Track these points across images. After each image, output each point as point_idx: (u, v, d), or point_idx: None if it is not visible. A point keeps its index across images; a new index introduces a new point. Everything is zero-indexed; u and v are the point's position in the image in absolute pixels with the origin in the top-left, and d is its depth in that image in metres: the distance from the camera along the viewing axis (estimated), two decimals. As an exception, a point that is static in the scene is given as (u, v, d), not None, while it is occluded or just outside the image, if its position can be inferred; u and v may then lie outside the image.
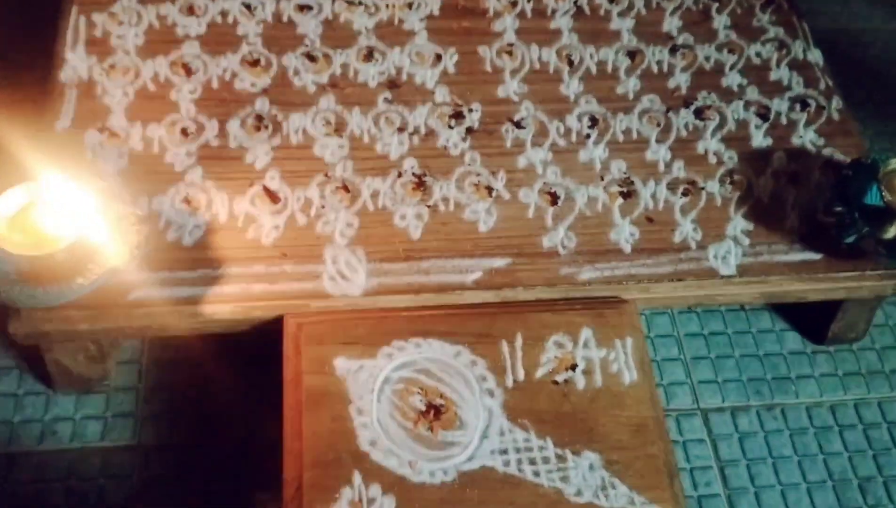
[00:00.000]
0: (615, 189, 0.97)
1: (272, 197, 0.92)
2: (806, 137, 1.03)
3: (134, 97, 0.98)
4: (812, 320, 1.03)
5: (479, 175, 0.97)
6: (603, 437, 0.80)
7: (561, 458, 0.79)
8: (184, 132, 0.96)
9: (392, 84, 1.03)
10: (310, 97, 1.01)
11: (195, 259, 0.87)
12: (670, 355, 1.00)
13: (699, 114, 1.04)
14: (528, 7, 1.12)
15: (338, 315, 0.85)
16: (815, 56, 1.11)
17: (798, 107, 1.06)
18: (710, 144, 1.02)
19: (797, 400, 0.98)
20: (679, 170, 0.99)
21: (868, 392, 1.00)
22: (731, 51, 1.11)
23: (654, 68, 1.08)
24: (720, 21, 1.14)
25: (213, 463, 0.89)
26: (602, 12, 1.13)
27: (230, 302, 0.85)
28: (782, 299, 0.95)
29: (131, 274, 0.84)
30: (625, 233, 0.94)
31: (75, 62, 1.00)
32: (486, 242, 0.92)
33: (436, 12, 1.10)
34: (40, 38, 1.06)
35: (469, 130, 1.00)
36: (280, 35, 1.05)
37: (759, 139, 1.03)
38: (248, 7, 1.07)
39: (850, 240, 0.91)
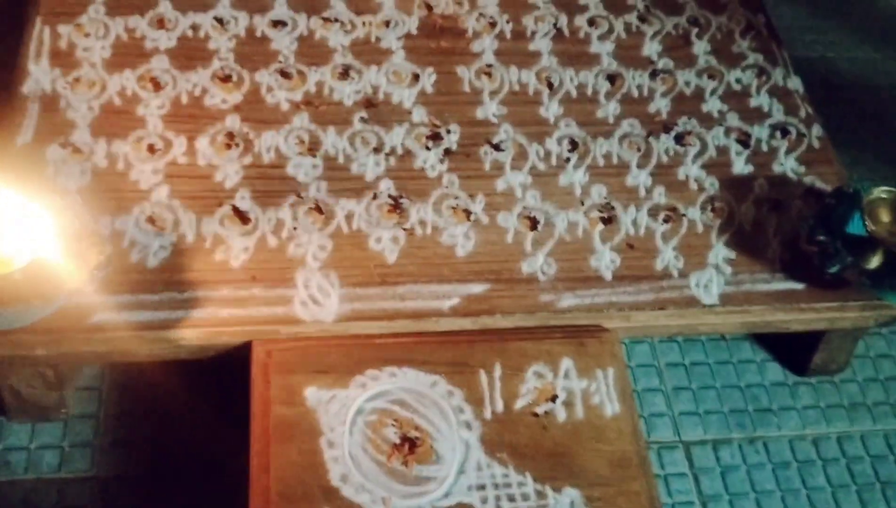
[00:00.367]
0: (595, 214, 0.95)
1: (242, 217, 0.89)
2: (787, 165, 1.03)
3: (99, 112, 0.94)
4: (793, 351, 1.02)
5: (457, 198, 0.94)
6: (584, 472, 0.77)
7: (541, 494, 0.76)
8: (150, 149, 0.92)
9: (368, 103, 1.00)
10: (283, 115, 0.98)
11: (160, 281, 0.83)
12: (651, 385, 0.98)
13: (680, 139, 1.03)
14: (508, 28, 1.11)
15: (309, 342, 0.82)
16: (795, 83, 1.11)
17: (779, 134, 1.05)
18: (690, 170, 1.00)
19: (779, 433, 0.97)
20: (660, 196, 0.98)
21: (851, 425, 0.98)
22: (711, 76, 1.10)
23: (635, 92, 1.07)
24: (700, 46, 1.13)
25: (175, 496, 0.85)
26: (582, 35, 1.12)
27: (196, 326, 0.81)
28: (764, 329, 0.94)
29: (92, 296, 0.80)
30: (605, 260, 0.92)
31: (38, 75, 0.96)
32: (463, 267, 0.89)
33: (413, 31, 1.08)
34: (2, 50, 1.02)
35: (447, 152, 0.98)
36: (253, 51, 1.02)
37: (740, 166, 1.02)
38: (220, 21, 1.04)
39: (834, 269, 0.89)
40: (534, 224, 0.93)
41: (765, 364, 1.02)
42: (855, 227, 0.91)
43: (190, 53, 1.01)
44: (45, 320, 0.78)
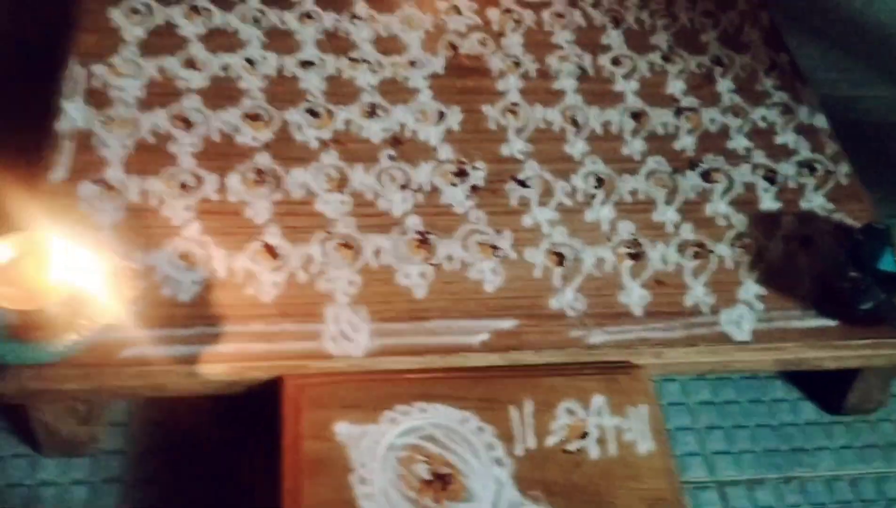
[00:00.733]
0: (623, 250, 0.95)
1: (272, 253, 0.89)
2: (815, 201, 1.02)
3: (132, 150, 0.96)
4: (827, 390, 1.00)
5: (484, 233, 0.94)
6: (618, 511, 0.76)
7: (575, 534, 0.74)
8: (183, 186, 0.93)
9: (395, 141, 1.01)
10: (312, 152, 0.99)
11: (191, 316, 0.84)
12: (682, 424, 0.97)
13: (706, 176, 1.03)
14: (532, 68, 1.12)
15: (339, 377, 0.82)
16: (821, 120, 1.11)
17: (806, 171, 1.05)
18: (718, 207, 1.00)
19: (815, 473, 0.95)
20: (688, 232, 0.97)
21: (888, 465, 0.96)
22: (735, 114, 1.10)
23: (660, 130, 1.07)
24: (724, 85, 1.14)
25: (203, 533, 0.84)
26: (606, 74, 1.13)
27: (226, 361, 0.81)
28: (798, 367, 0.92)
29: (124, 331, 0.80)
30: (635, 296, 0.91)
31: (73, 113, 0.97)
32: (492, 303, 0.89)
33: (439, 71, 1.10)
34: (38, 89, 1.04)
35: (473, 188, 0.98)
36: (282, 90, 1.04)
37: (768, 202, 1.01)
38: (250, 62, 1.06)
39: (867, 306, 0.89)
40: (561, 259, 0.93)
41: (798, 403, 1.00)
42: (886, 264, 0.90)
43: (221, 93, 1.02)
44: (78, 354, 0.78)
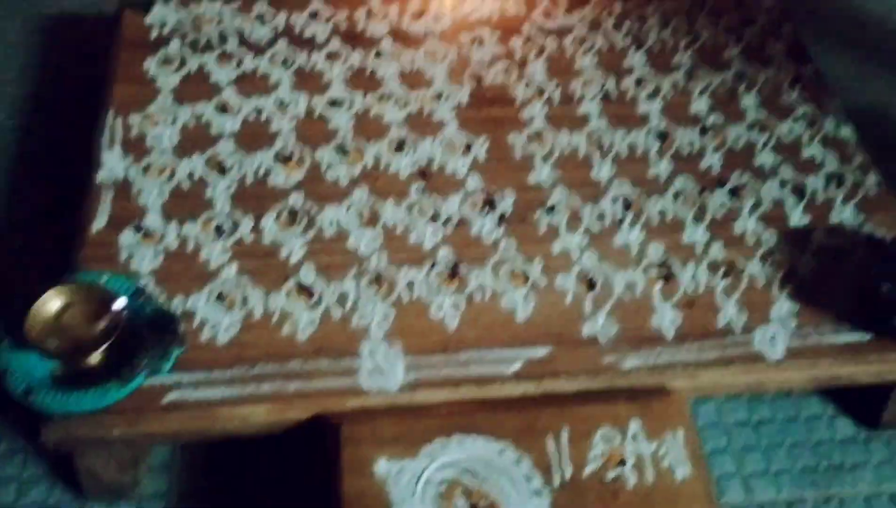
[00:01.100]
0: (653, 272, 0.95)
1: (307, 292, 0.92)
2: (845, 214, 1.02)
3: (169, 196, 0.99)
4: (864, 405, 0.99)
5: (514, 262, 0.95)
6: (658, 538, 0.76)
7: (615, 562, 0.75)
8: (218, 229, 0.96)
9: (423, 174, 1.03)
10: (343, 190, 1.01)
11: (230, 357, 0.86)
12: (718, 446, 0.96)
13: (734, 193, 1.03)
14: (556, 94, 1.13)
15: (376, 412, 0.83)
16: (847, 132, 1.11)
17: (834, 184, 1.05)
18: (747, 224, 1.00)
19: (855, 490, 0.94)
20: (717, 251, 0.98)
21: (930, 479, 0.95)
22: (761, 129, 1.10)
23: (686, 149, 1.08)
24: (748, 100, 1.14)
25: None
26: (629, 96, 1.14)
27: (266, 402, 0.83)
28: (833, 383, 0.92)
29: (165, 376, 0.82)
30: (666, 319, 0.91)
31: (112, 163, 1.01)
32: (524, 331, 0.90)
33: (464, 102, 1.11)
34: (79, 140, 1.08)
35: (502, 217, 1.00)
36: (312, 130, 1.07)
37: (797, 217, 1.01)
38: (281, 104, 1.09)
39: (901, 320, 0.88)
40: (591, 285, 0.94)
41: (834, 419, 0.99)
42: (920, 276, 0.90)
43: (253, 136, 1.05)
44: (122, 401, 0.80)
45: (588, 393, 0.86)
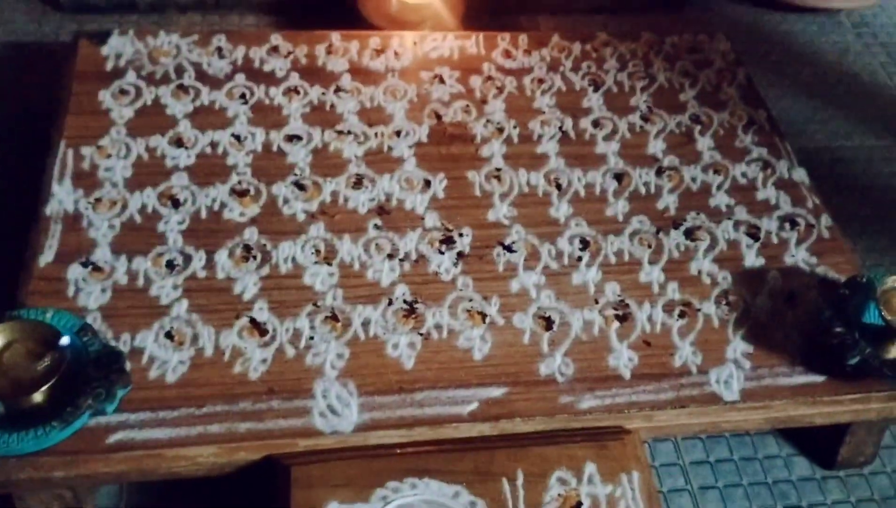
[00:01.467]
0: (610, 312, 0.95)
1: (260, 329, 0.90)
2: (798, 256, 1.03)
3: (120, 230, 0.96)
4: (819, 444, 1.00)
5: (471, 300, 0.95)
6: (613, 582, 0.75)
7: None
8: (170, 264, 0.94)
9: (382, 210, 1.03)
10: (299, 225, 1.00)
11: (178, 397, 0.83)
12: (676, 485, 0.96)
13: (689, 234, 1.04)
14: (515, 133, 1.14)
15: (329, 454, 0.81)
16: (801, 175, 1.13)
17: (788, 225, 1.06)
18: (702, 265, 1.01)
19: (812, 531, 0.94)
20: (673, 291, 0.98)
21: (884, 520, 0.96)
22: (716, 171, 1.12)
23: (642, 190, 1.09)
24: (704, 143, 1.16)
25: None
26: (587, 137, 1.15)
27: (215, 443, 0.81)
28: (788, 424, 0.92)
29: (110, 416, 0.80)
30: (623, 359, 0.91)
31: (61, 196, 0.99)
32: (481, 371, 0.89)
33: (424, 139, 1.11)
34: (26, 172, 1.06)
35: (460, 255, 0.99)
36: (269, 165, 1.05)
37: (752, 259, 1.02)
38: (237, 138, 1.08)
39: (854, 361, 0.89)
40: (549, 324, 0.94)
41: (791, 458, 1.00)
42: (871, 317, 0.91)
43: (208, 170, 1.04)
44: (64, 441, 0.78)
45: (544, 433, 0.85)
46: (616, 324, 0.94)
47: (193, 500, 0.88)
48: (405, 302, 0.94)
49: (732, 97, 1.22)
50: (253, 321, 0.90)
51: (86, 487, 0.86)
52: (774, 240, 1.05)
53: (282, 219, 1.00)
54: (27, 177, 1.04)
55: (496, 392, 0.87)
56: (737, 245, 1.04)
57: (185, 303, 0.91)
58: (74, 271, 0.92)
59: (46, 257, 0.93)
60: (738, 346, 0.93)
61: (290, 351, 0.88)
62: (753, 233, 1.05)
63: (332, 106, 1.14)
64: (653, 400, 0.88)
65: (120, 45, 1.17)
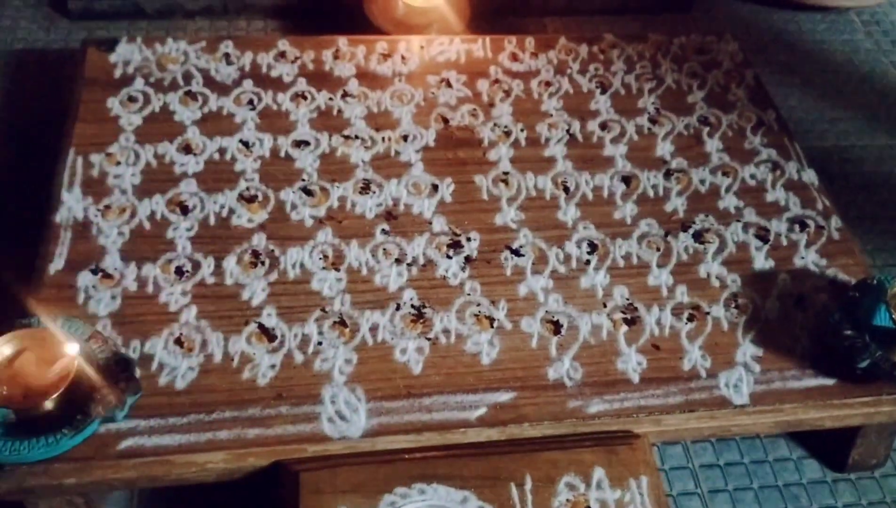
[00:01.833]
0: (619, 316, 0.95)
1: (268, 335, 0.90)
2: (808, 258, 1.03)
3: (129, 237, 0.97)
4: (830, 446, 0.99)
5: (479, 305, 0.95)
6: (622, 587, 0.75)
7: None
8: (179, 271, 0.94)
9: (389, 215, 1.03)
10: (307, 231, 1.00)
11: (187, 403, 0.84)
12: (686, 489, 0.96)
13: (698, 237, 1.04)
14: (522, 136, 1.13)
15: (337, 459, 0.81)
16: (810, 176, 1.12)
17: (797, 227, 1.06)
18: (711, 268, 1.01)
19: (823, 534, 0.94)
20: (682, 294, 0.98)
21: (896, 523, 0.95)
22: (725, 173, 1.12)
23: (650, 193, 1.08)
24: (712, 144, 1.15)
25: None
26: (595, 139, 1.14)
27: (224, 448, 0.81)
28: (798, 427, 0.92)
29: (121, 423, 0.80)
30: (632, 362, 0.91)
31: (71, 203, 0.99)
32: (489, 375, 0.89)
33: (431, 144, 1.11)
34: (36, 179, 1.06)
35: (468, 259, 0.99)
36: (277, 171, 1.06)
37: (761, 261, 1.02)
38: (245, 144, 1.08)
39: (864, 364, 0.88)
40: (557, 328, 0.94)
41: (802, 461, 0.99)
42: (882, 320, 0.90)
43: (217, 176, 1.04)
44: (75, 448, 0.78)
45: (553, 438, 0.85)
46: (624, 328, 0.94)
47: (203, 506, 0.89)
48: (413, 306, 0.94)
49: (741, 98, 1.22)
50: (261, 327, 0.91)
51: (97, 493, 0.87)
52: (784, 242, 1.04)
53: (290, 225, 1.00)
54: (36, 185, 1.04)
55: (504, 396, 0.87)
56: (746, 247, 1.03)
57: (194, 310, 0.91)
58: (84, 278, 0.93)
59: (56, 265, 0.94)
60: (747, 350, 0.93)
61: (299, 357, 0.89)
62: (763, 235, 1.05)
63: (340, 111, 1.14)
64: (662, 404, 0.88)
65: (128, 52, 1.17)
